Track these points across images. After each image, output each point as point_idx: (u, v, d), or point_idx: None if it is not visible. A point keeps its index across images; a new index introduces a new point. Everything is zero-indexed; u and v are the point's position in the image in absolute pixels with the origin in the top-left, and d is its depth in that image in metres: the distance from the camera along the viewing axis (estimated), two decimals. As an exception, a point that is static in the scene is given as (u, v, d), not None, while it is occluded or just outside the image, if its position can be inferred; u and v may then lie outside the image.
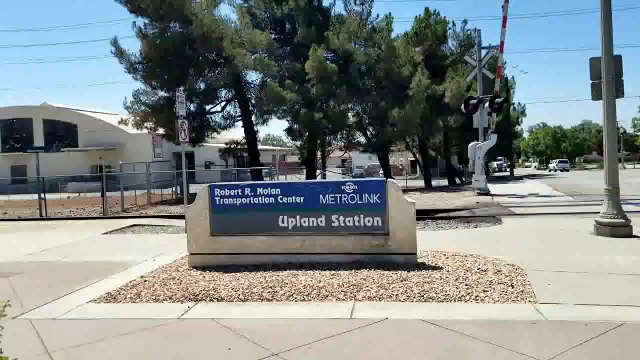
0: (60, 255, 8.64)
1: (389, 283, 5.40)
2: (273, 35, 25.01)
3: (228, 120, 26.36)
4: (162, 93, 23.16)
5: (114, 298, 5.63)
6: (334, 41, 23.52)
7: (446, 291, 5.09)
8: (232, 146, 27.69)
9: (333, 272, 5.99)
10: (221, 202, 6.52)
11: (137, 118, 23.80)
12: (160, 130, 23.69)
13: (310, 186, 6.45)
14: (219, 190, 6.48)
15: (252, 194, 6.42)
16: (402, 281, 5.46)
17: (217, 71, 23.80)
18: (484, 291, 5.07)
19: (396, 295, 5.05)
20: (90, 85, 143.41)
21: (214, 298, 5.38)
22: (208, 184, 6.58)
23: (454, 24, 31.33)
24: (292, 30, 25.16)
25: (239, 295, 5.41)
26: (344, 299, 5.07)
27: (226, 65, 22.48)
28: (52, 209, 18.49)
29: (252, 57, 22.39)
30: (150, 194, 21.48)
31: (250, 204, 6.46)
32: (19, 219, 16.77)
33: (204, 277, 6.24)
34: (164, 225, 12.93)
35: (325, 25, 24.66)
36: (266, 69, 22.49)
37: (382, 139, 26.50)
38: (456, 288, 5.18)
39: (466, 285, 5.28)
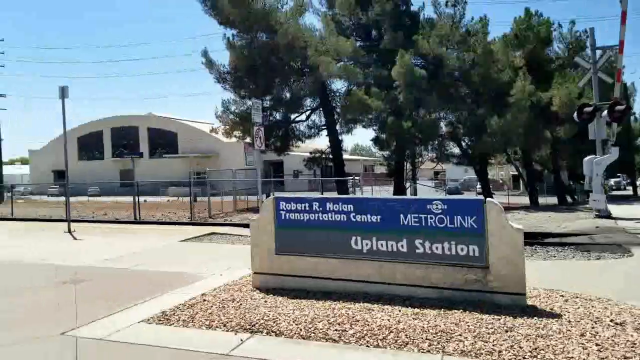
0: (134, 262, 8.51)
1: (488, 333, 4.20)
2: (358, 43, 24.26)
3: (313, 129, 26.04)
4: (249, 102, 23.42)
5: (167, 319, 5.10)
6: (424, 46, 22.15)
7: (569, 352, 3.78)
8: (317, 155, 27.27)
9: (416, 310, 4.89)
10: (287, 217, 5.71)
11: (227, 127, 24.35)
12: (248, 139, 23.94)
13: (388, 203, 5.39)
14: (284, 204, 5.68)
15: (321, 209, 5.52)
16: (506, 332, 4.22)
17: (302, 80, 23.57)
18: (625, 358, 3.69)
19: (499, 352, 3.84)
20: (188, 95, 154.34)
21: (272, 331, 4.58)
22: (273, 196, 5.81)
23: (560, 25, 28.32)
24: (378, 37, 24.22)
25: (301, 330, 4.55)
26: (428, 350, 3.98)
27: (311, 74, 22.16)
28: (146, 212, 19.24)
29: (337, 65, 21.79)
30: (236, 201, 21.71)
31: (318, 220, 5.57)
32: (116, 221, 17.56)
33: (265, 302, 5.50)
34: (241, 235, 12.56)
35: (414, 30, 23.38)
36: (351, 76, 21.77)
37: (479, 150, 24.41)
38: (583, 349, 3.85)
39: (597, 345, 3.91)
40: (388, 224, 5.29)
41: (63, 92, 12.23)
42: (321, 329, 4.54)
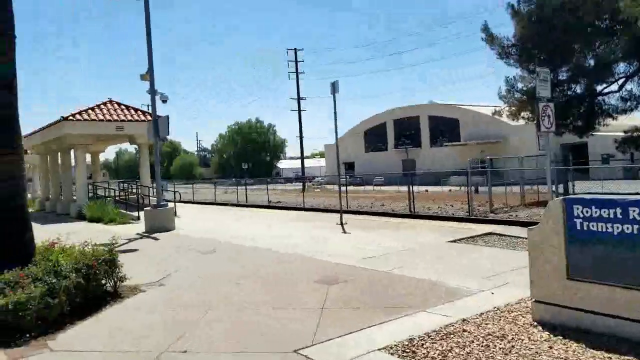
0: (394, 264, 8.16)
1: None
2: None
3: (629, 102, 20.88)
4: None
5: (413, 352, 4.39)
6: None
7: None
8: (636, 135, 21.81)
9: None
10: (585, 228, 4.07)
11: (512, 108, 22.04)
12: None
13: None
14: (580, 208, 4.04)
15: (645, 219, 3.63)
16: None
17: (611, 41, 19.08)
18: None
19: None
20: (465, 81, 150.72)
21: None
22: (562, 198, 4.23)
23: None
24: None
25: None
26: None
27: (625, 32, 17.61)
28: (422, 204, 19.07)
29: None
30: (523, 193, 19.36)
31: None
32: (391, 214, 17.94)
33: (550, 348, 4.10)
34: (526, 238, 10.72)
35: None
36: (692, 24, 16.22)
37: None
38: None
39: None
40: None
41: (334, 87, 13.02)
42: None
